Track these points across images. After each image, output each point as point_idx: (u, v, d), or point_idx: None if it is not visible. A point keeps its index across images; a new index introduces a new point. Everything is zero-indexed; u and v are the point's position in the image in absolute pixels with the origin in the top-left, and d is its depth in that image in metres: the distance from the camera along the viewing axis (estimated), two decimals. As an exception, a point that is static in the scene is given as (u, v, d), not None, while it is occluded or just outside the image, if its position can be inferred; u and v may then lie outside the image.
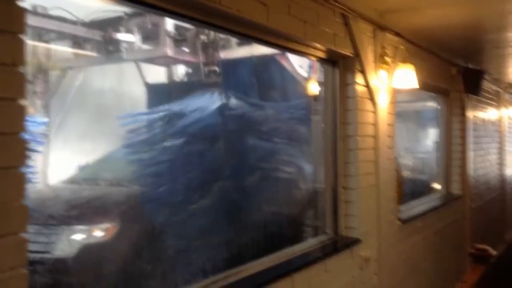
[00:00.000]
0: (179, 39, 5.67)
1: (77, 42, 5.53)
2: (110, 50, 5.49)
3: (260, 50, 5.12)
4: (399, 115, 4.09)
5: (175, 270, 3.76)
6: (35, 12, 5.04)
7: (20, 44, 1.34)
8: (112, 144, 4.94)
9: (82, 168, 4.86)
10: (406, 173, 5.23)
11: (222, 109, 4.90)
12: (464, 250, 5.92)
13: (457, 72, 5.57)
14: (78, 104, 5.65)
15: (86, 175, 4.76)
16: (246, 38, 2.66)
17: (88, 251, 3.70)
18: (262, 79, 5.70)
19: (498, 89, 7.77)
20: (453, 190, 5.67)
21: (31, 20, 4.55)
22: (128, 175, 4.54)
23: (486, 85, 6.50)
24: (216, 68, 5.44)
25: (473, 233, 6.14)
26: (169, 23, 5.58)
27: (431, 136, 6.04)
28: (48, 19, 5.16)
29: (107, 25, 5.45)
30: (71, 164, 4.86)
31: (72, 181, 4.74)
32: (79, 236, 3.77)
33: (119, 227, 3.86)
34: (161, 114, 4.77)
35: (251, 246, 3.75)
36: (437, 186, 5.63)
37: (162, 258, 3.86)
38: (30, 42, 4.91)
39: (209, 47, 5.52)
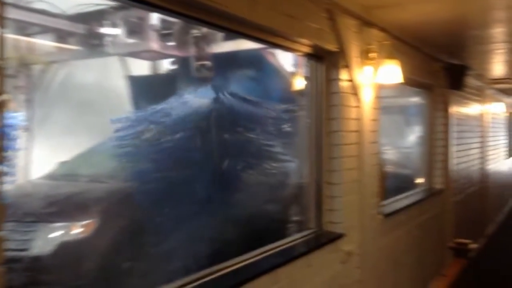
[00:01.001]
0: (165, 33, 5.61)
1: (60, 35, 5.45)
2: (94, 44, 5.42)
3: (245, 45, 5.09)
4: (384, 110, 4.12)
5: (156, 267, 3.73)
6: (16, 5, 4.94)
7: (-1, 39, 1.32)
8: (95, 139, 4.88)
9: (62, 164, 4.78)
10: (389, 168, 5.28)
11: (212, 103, 4.86)
12: (446, 243, 6.01)
13: (440, 68, 5.63)
14: (61, 99, 5.57)
15: (66, 171, 4.68)
16: (233, 33, 2.66)
17: (67, 248, 3.65)
18: (248, 74, 5.68)
19: (481, 85, 7.88)
20: (435, 184, 5.74)
21: (12, 13, 4.47)
22: (109, 171, 4.48)
23: (469, 80, 6.58)
24: (207, 62, 5.40)
25: (455, 226, 6.24)
26: (155, 17, 5.53)
27: (415, 131, 6.10)
28: (31, 12, 5.08)
29: (91, 18, 5.37)
30: (53, 160, 4.78)
31: (51, 177, 4.65)
32: (57, 233, 3.71)
33: (98, 224, 3.81)
34: (149, 111, 4.71)
35: (233, 242, 3.74)
36: (420, 180, 5.70)
37: (142, 255, 3.83)
38: (11, 36, 4.81)
39: (200, 41, 5.46)
